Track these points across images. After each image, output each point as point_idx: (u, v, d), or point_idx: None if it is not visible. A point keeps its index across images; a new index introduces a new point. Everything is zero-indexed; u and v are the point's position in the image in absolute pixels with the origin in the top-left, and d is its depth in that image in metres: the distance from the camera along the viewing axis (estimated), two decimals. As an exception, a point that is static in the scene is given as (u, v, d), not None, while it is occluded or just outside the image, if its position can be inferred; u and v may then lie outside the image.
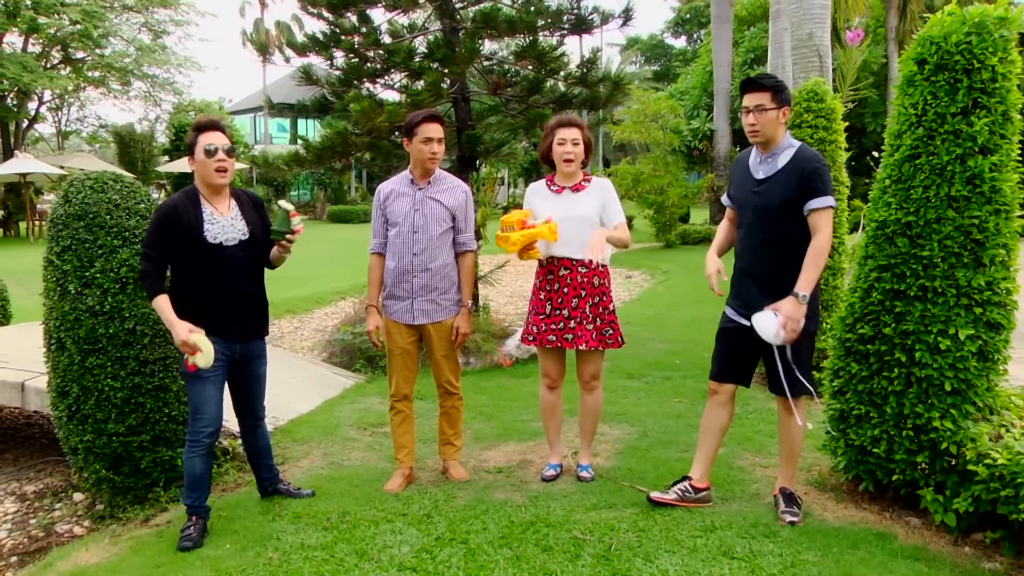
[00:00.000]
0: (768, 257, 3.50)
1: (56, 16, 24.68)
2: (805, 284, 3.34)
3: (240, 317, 3.64)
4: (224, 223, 3.59)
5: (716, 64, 19.86)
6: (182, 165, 25.50)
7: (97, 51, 26.36)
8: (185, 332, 3.38)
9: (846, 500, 3.81)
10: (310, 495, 3.97)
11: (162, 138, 28.89)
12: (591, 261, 3.95)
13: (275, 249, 3.72)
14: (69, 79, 26.33)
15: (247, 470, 4.54)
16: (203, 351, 3.39)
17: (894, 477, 3.56)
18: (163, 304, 3.45)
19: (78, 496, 4.72)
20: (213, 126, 3.61)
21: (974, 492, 3.24)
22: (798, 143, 3.52)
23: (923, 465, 3.49)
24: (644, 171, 17.85)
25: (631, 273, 14.69)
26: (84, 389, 3.98)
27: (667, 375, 6.60)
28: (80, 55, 26.94)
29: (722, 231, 3.90)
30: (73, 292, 3.95)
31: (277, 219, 3.63)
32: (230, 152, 3.60)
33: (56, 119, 31.03)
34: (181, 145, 27.32)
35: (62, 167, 25.85)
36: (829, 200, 3.37)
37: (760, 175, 3.52)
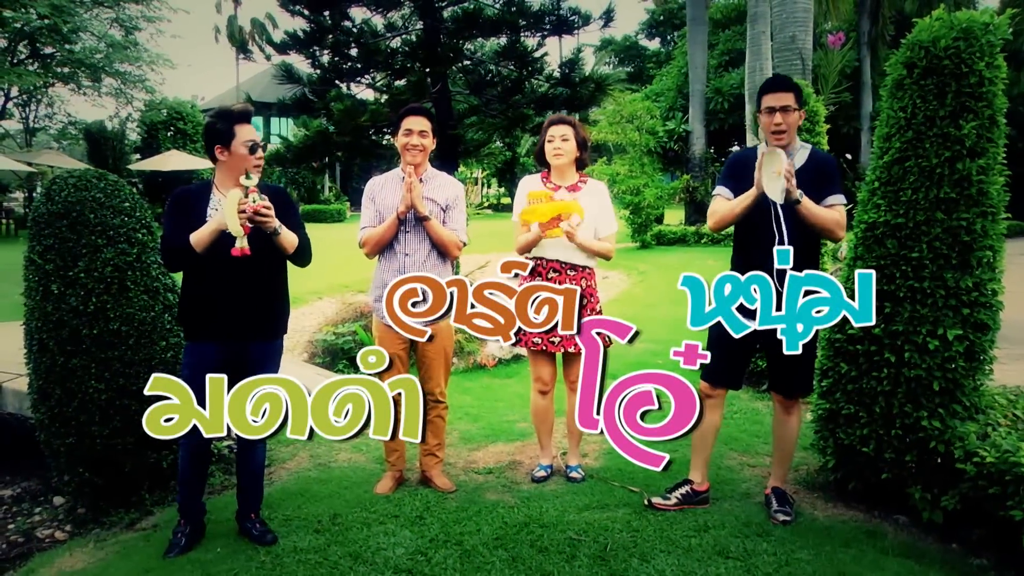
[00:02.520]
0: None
1: (23, 10, 24.21)
2: (809, 202, 3.41)
3: (240, 314, 3.39)
4: None
5: (691, 66, 19.99)
6: (154, 163, 25.11)
7: (66, 47, 25.92)
8: (220, 217, 3.19)
9: (835, 499, 3.85)
10: (271, 542, 3.47)
11: (133, 136, 28.46)
12: (580, 267, 4.00)
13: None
14: (37, 75, 25.89)
15: (233, 472, 4.50)
16: (234, 233, 3.15)
17: (883, 476, 3.60)
18: (195, 234, 3.25)
19: (58, 500, 4.63)
20: (247, 117, 3.44)
21: (962, 490, 3.29)
22: (809, 144, 3.60)
23: (911, 464, 3.54)
24: (620, 172, 17.93)
25: (607, 274, 14.72)
26: (67, 391, 3.90)
27: (650, 375, 6.62)
28: (49, 50, 26.49)
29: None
30: (56, 292, 3.87)
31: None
32: (262, 147, 3.51)
33: (23, 115, 30.47)
34: (154, 143, 26.85)
35: (30, 164, 25.41)
36: (843, 198, 3.50)
37: None
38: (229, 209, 3.14)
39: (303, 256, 3.54)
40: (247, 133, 3.41)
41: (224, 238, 3.22)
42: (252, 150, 3.42)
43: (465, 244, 4.08)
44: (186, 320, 3.50)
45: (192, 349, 3.46)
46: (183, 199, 3.43)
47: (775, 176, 3.37)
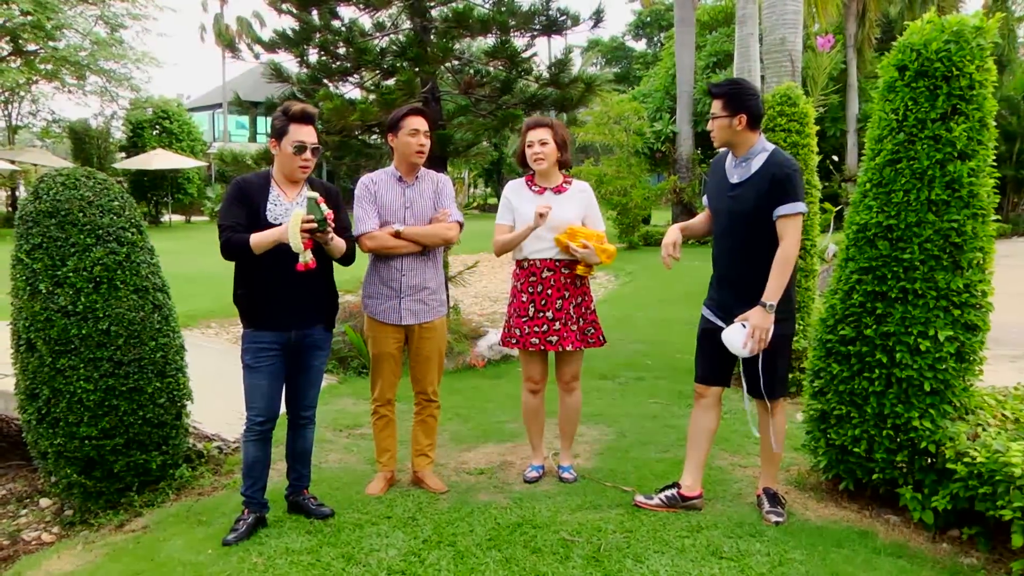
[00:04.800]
0: (743, 263, 3.55)
1: (5, 6, 23.90)
2: (772, 293, 3.39)
3: (296, 304, 3.52)
4: (287, 206, 3.50)
5: (679, 67, 20.04)
6: (139, 162, 24.92)
7: (50, 44, 25.58)
8: (282, 232, 3.30)
9: (826, 499, 3.87)
10: (330, 514, 3.71)
11: (118, 134, 28.20)
12: (574, 263, 3.98)
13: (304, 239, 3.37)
14: (20, 72, 25.55)
15: (223, 473, 4.48)
16: (295, 250, 3.25)
17: (874, 476, 3.62)
18: (256, 237, 3.35)
19: (45, 502, 4.57)
20: (306, 118, 3.48)
21: (952, 490, 3.31)
22: (772, 147, 3.55)
23: (902, 464, 3.56)
24: (607, 173, 17.98)
25: (595, 274, 14.76)
26: (55, 391, 3.86)
27: (640, 376, 6.64)
28: (32, 47, 26.16)
29: (699, 217, 3.92)
30: (44, 292, 3.82)
31: (308, 209, 3.41)
32: (316, 151, 3.52)
33: (6, 113, 30.08)
34: (139, 141, 26.62)
35: (13, 162, 25.16)
36: (798, 206, 3.41)
37: (735, 179, 3.56)
38: (293, 228, 3.23)
39: (349, 258, 3.69)
40: (299, 134, 3.45)
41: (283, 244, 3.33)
42: (298, 151, 3.46)
43: (461, 224, 4.05)
44: (246, 311, 3.56)
45: (253, 337, 3.54)
46: (244, 190, 3.50)
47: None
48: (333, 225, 3.39)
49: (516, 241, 3.98)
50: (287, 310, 3.51)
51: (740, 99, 3.48)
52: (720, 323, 3.62)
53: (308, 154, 3.49)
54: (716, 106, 3.52)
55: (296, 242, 3.23)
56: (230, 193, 3.50)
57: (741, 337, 3.40)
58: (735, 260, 3.59)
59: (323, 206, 3.34)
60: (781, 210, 3.40)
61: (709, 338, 3.70)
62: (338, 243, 3.51)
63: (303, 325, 3.59)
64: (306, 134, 3.47)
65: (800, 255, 3.70)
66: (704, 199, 3.89)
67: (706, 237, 3.88)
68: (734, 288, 3.58)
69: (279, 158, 3.52)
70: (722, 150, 3.72)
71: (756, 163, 3.50)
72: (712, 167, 3.82)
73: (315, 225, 3.26)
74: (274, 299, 3.49)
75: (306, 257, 3.28)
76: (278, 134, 3.48)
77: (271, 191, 3.53)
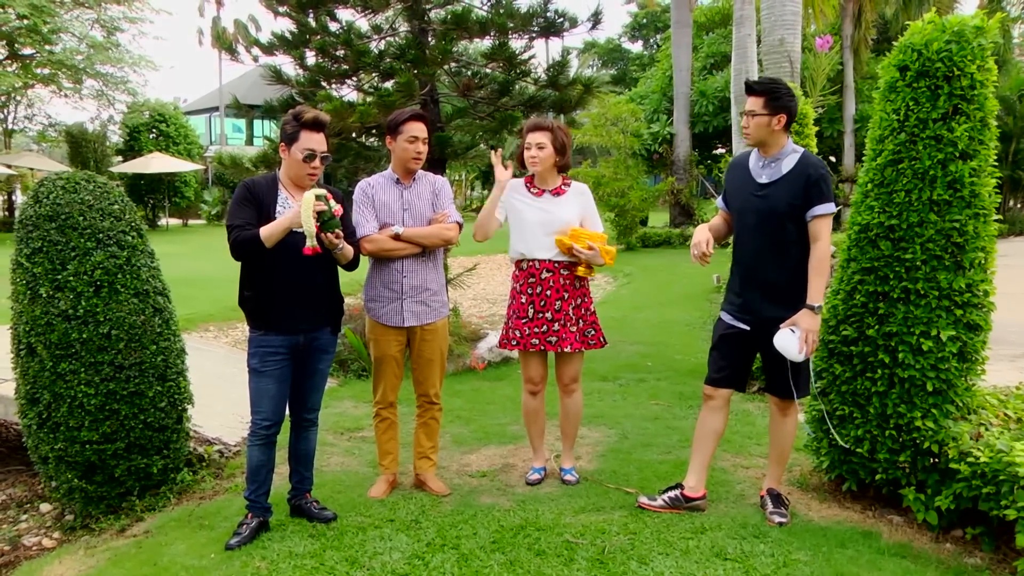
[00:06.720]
0: (771, 262, 3.53)
1: (1, 10, 23.86)
2: (817, 295, 3.40)
3: (304, 307, 3.52)
4: (296, 208, 3.46)
5: (676, 69, 20.07)
6: (136, 166, 24.88)
7: (46, 48, 25.55)
8: (293, 216, 3.30)
9: (829, 499, 3.86)
10: (332, 518, 3.70)
11: (115, 138, 28.16)
12: (574, 264, 3.99)
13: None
14: (16, 76, 25.51)
15: (224, 477, 4.47)
16: (307, 233, 3.25)
17: (877, 476, 3.62)
18: (266, 228, 3.33)
19: (45, 507, 4.56)
20: (318, 126, 3.45)
21: (956, 490, 3.31)
22: (801, 149, 3.56)
23: (905, 464, 3.56)
24: (605, 174, 17.99)
25: (594, 276, 14.75)
26: (56, 396, 3.84)
27: (640, 377, 6.63)
28: (28, 51, 26.12)
29: (716, 220, 3.87)
30: (44, 296, 3.81)
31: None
32: (325, 159, 3.50)
33: (2, 117, 30.02)
34: (136, 145, 26.57)
35: (9, 166, 25.13)
36: (831, 207, 3.44)
37: (763, 179, 3.55)
38: (305, 211, 3.24)
39: (354, 263, 3.67)
40: (310, 141, 3.44)
41: (290, 239, 3.33)
42: (307, 159, 3.45)
43: (461, 224, 4.03)
44: (254, 314, 3.55)
45: (261, 340, 3.54)
46: (252, 191, 3.49)
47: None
48: (340, 230, 3.38)
49: (490, 207, 4.01)
50: (296, 313, 3.51)
51: (781, 99, 3.49)
52: (743, 326, 3.61)
53: (317, 162, 3.48)
54: (755, 103, 3.49)
55: (309, 224, 3.23)
56: (238, 195, 3.48)
57: (795, 342, 3.38)
58: (763, 261, 3.56)
59: (332, 202, 3.32)
60: (817, 210, 3.42)
61: (730, 342, 3.68)
62: (346, 250, 3.51)
63: (311, 328, 3.58)
64: (317, 142, 3.46)
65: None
66: (719, 201, 3.86)
67: (724, 240, 3.86)
68: (763, 289, 3.57)
69: (288, 163, 3.51)
70: (740, 152, 3.71)
71: (787, 164, 3.51)
72: (731, 169, 3.80)
73: (324, 207, 3.26)
74: (283, 301, 3.48)
75: (313, 241, 3.27)
76: (288, 139, 3.46)
77: (279, 193, 3.51)
